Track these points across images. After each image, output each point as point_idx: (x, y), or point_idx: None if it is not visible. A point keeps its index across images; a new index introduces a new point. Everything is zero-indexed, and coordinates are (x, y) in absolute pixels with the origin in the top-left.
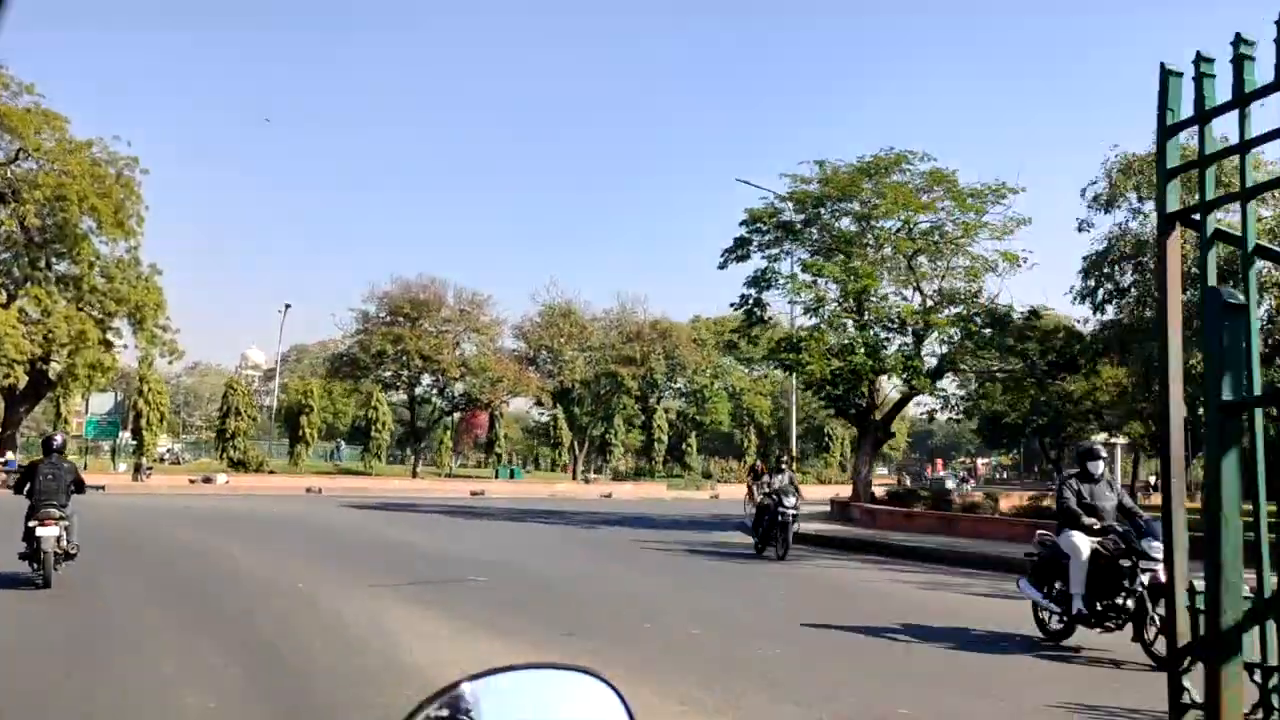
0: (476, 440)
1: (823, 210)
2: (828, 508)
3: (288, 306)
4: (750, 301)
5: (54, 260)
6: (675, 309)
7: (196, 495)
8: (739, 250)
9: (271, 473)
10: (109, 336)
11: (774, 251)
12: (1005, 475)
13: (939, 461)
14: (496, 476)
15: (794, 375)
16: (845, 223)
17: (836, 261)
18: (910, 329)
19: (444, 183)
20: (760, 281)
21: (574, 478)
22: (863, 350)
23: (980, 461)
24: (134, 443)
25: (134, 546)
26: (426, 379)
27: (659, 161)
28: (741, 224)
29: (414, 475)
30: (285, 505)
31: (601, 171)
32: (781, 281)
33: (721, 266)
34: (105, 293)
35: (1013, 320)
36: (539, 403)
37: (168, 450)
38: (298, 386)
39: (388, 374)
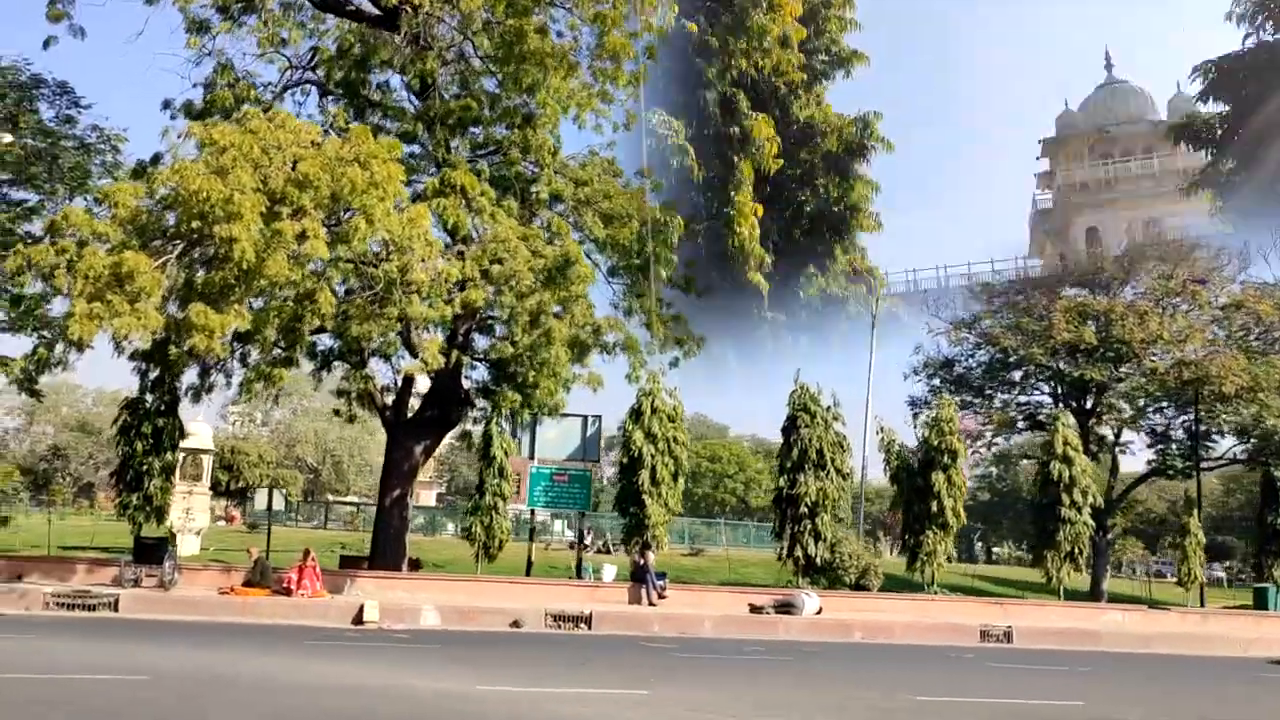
0: None
1: None
2: None
3: None
4: None
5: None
6: None
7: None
8: None
9: (882, 590)
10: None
11: None
12: None
13: None
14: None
15: None
16: None
17: None
18: None
19: None
20: None
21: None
22: None
23: None
24: (625, 521)
25: None
26: (1125, 407)
27: None
28: None
29: (1099, 593)
30: None
31: None
32: None
33: None
34: (582, 203)
35: None
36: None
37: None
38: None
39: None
